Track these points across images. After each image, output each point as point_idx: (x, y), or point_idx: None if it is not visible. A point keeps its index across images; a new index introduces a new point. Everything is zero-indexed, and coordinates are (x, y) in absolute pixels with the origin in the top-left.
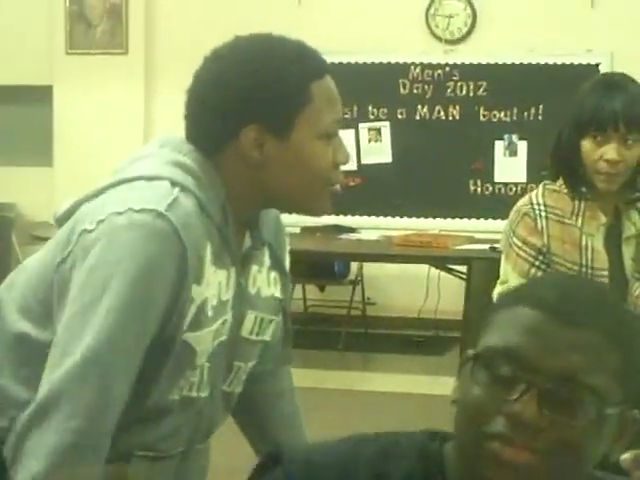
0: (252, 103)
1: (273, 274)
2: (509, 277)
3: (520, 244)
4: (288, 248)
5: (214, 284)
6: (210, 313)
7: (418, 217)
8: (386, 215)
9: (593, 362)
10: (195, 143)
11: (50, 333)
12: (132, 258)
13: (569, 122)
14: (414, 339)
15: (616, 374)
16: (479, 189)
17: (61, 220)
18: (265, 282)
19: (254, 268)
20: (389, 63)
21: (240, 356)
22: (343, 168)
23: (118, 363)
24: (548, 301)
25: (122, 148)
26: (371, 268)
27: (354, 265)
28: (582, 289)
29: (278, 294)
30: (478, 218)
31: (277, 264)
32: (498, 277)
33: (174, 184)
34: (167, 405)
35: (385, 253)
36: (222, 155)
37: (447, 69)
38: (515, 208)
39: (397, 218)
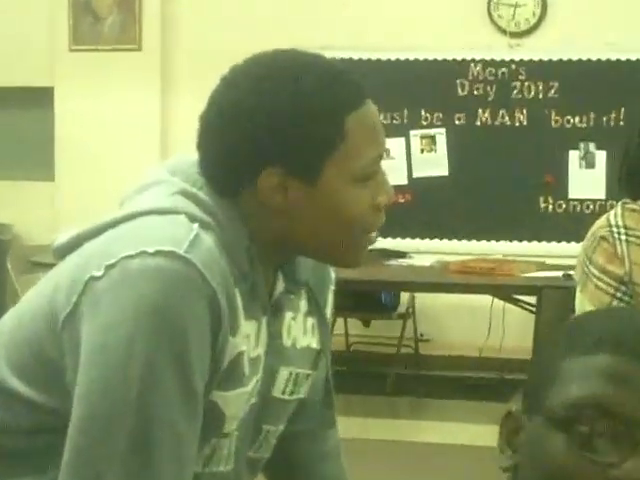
0: (271, 143)
1: (310, 321)
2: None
3: (598, 273)
4: (332, 288)
5: (246, 337)
6: (247, 371)
7: (479, 239)
8: (442, 237)
9: None
10: (208, 180)
11: (58, 401)
12: (154, 312)
13: None
14: (474, 382)
15: None
16: (550, 207)
17: (61, 252)
18: (301, 331)
19: (288, 316)
20: (445, 60)
21: (270, 418)
22: (391, 182)
23: (176, 449)
24: (629, 344)
25: (135, 160)
26: (424, 299)
27: (404, 296)
28: None
29: (315, 344)
30: (549, 241)
31: (316, 309)
32: (573, 309)
33: (193, 219)
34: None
35: (441, 282)
36: (239, 198)
37: (512, 67)
38: (591, 232)
39: (455, 241)
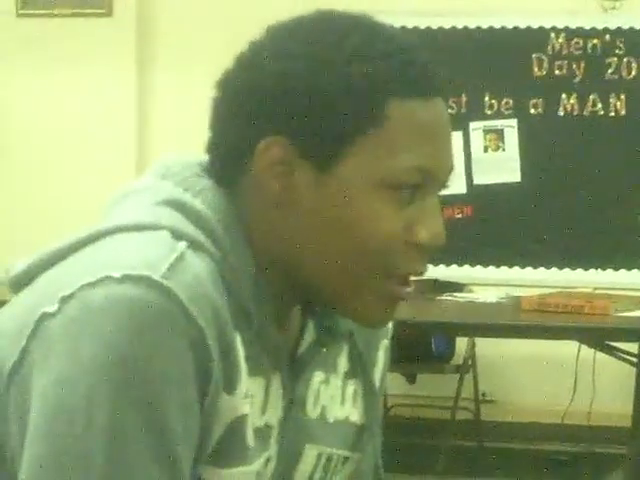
0: (281, 104)
1: (352, 386)
2: None
3: None
4: (386, 343)
5: (248, 398)
6: (251, 442)
7: (561, 267)
8: (512, 264)
9: None
10: (212, 171)
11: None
12: (119, 362)
13: None
14: (556, 457)
15: None
16: None
17: (17, 285)
18: (337, 398)
19: (317, 377)
20: (517, 29)
21: None
22: (443, 190)
23: None
24: None
25: (104, 159)
26: (488, 347)
27: (462, 342)
28: None
29: (357, 418)
30: None
31: (361, 370)
32: None
33: (179, 236)
34: None
35: (510, 323)
36: (241, 186)
37: (607, 37)
38: None
39: (529, 269)
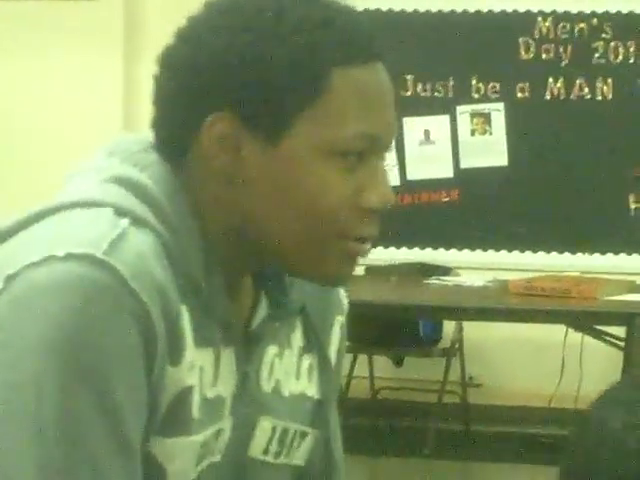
0: (224, 80)
1: (307, 360)
2: None
3: None
4: (340, 319)
5: (199, 370)
6: (196, 413)
7: (549, 251)
8: (499, 248)
9: None
10: (159, 147)
11: None
12: (65, 339)
13: None
14: (542, 440)
15: None
16: None
17: None
18: (292, 372)
19: (271, 350)
20: (504, 12)
21: None
22: (430, 174)
23: None
24: None
25: (89, 145)
26: (475, 331)
27: (449, 326)
28: None
29: (313, 392)
30: None
31: (316, 345)
32: None
33: (121, 212)
34: None
35: (497, 307)
36: (188, 162)
37: (594, 21)
38: None
39: (516, 253)
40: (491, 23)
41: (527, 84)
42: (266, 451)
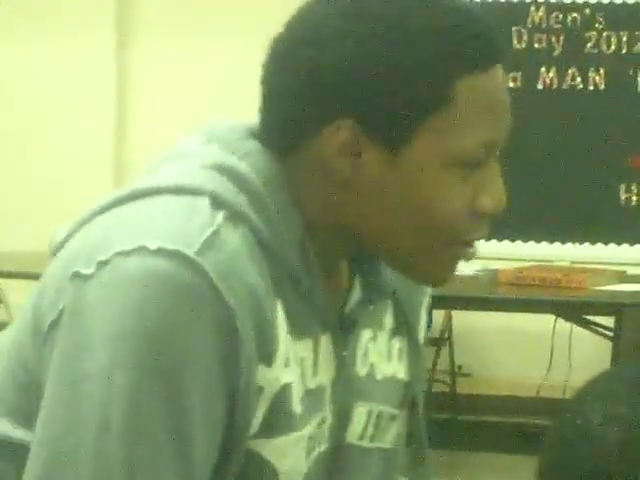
0: (349, 89)
1: (397, 343)
2: None
3: None
4: (427, 300)
5: (298, 362)
6: (297, 409)
7: (539, 241)
8: (489, 238)
9: None
10: (264, 137)
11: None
12: (144, 334)
13: None
14: (530, 430)
15: None
16: (635, 198)
17: (57, 250)
18: (384, 356)
19: (365, 335)
20: (497, 2)
21: (346, 477)
22: None
23: None
24: None
25: (78, 138)
26: (464, 320)
27: (438, 315)
28: None
29: (403, 375)
30: (633, 243)
31: (405, 328)
32: None
33: (219, 203)
34: None
35: (486, 297)
36: (296, 160)
37: (587, 11)
38: None
39: (506, 242)
40: (484, 12)
41: (519, 73)
42: (362, 436)
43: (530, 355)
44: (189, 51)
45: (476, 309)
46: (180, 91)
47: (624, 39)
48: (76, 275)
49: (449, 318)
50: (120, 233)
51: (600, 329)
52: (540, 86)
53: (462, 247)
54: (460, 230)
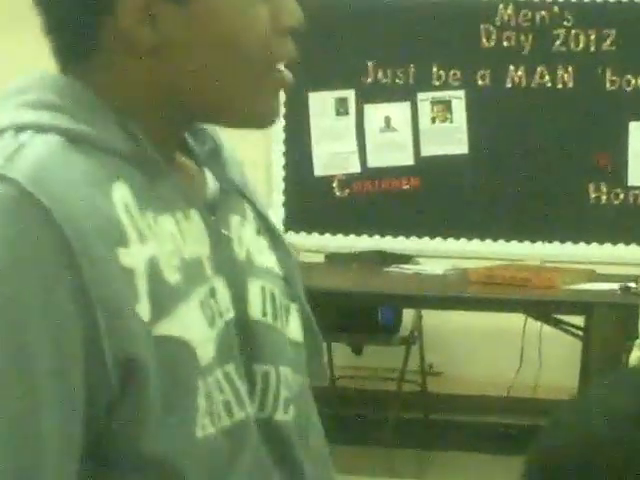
0: None
1: (262, 240)
2: None
3: None
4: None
5: (162, 236)
6: (175, 277)
7: (508, 240)
8: (459, 236)
9: None
10: (58, 56)
11: None
12: None
13: None
14: (501, 430)
15: None
16: (604, 197)
17: None
18: (256, 248)
19: (234, 219)
20: (464, 0)
21: (260, 355)
22: (391, 161)
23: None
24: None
25: None
26: (435, 319)
27: (408, 314)
28: None
29: (279, 270)
30: (602, 242)
31: (263, 223)
32: (634, 334)
33: (20, 129)
34: (190, 451)
35: (456, 296)
36: (99, 57)
37: (555, 9)
38: None
39: (476, 241)
40: (453, 10)
41: (488, 72)
42: (264, 313)
43: (500, 354)
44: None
45: (446, 308)
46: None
47: (592, 37)
48: None
49: (419, 317)
50: None
51: (570, 328)
52: (509, 84)
53: (278, 73)
54: (271, 53)
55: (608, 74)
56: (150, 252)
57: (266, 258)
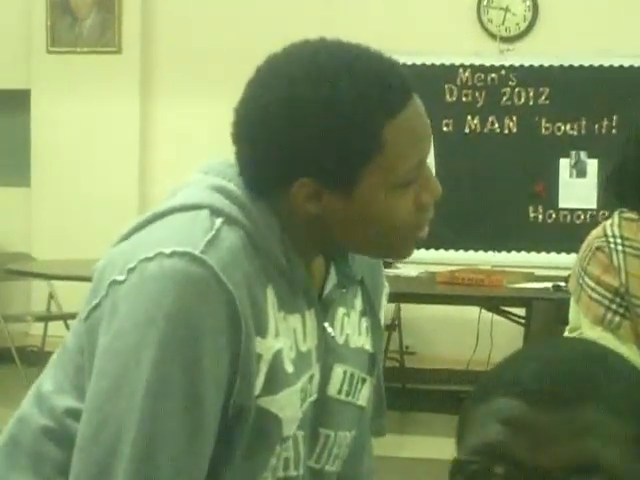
0: (302, 153)
1: (365, 322)
2: (581, 324)
3: (593, 285)
4: (386, 291)
5: (287, 332)
6: (290, 368)
7: (467, 250)
8: (428, 247)
9: (597, 447)
10: (243, 176)
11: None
12: (165, 317)
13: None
14: (462, 396)
15: (634, 444)
16: (540, 216)
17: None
18: (355, 330)
19: (340, 311)
20: (433, 65)
21: (327, 421)
22: None
23: (176, 459)
24: (524, 385)
25: (112, 167)
26: (410, 310)
27: (390, 307)
28: (569, 356)
29: (369, 347)
30: (539, 251)
31: (370, 310)
32: (563, 321)
33: (216, 213)
34: None
35: (427, 292)
36: (273, 198)
37: (502, 72)
38: (586, 242)
39: (441, 251)
40: (423, 73)
41: (451, 120)
42: (340, 391)
43: (461, 338)
44: (203, 110)
45: (419, 302)
46: (195, 144)
47: (531, 93)
48: (113, 282)
49: (399, 309)
50: (143, 246)
51: (514, 317)
52: (467, 130)
53: (418, 232)
54: (413, 225)
55: (543, 122)
56: (278, 346)
57: (363, 338)
